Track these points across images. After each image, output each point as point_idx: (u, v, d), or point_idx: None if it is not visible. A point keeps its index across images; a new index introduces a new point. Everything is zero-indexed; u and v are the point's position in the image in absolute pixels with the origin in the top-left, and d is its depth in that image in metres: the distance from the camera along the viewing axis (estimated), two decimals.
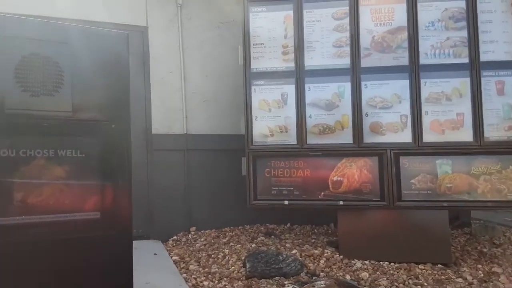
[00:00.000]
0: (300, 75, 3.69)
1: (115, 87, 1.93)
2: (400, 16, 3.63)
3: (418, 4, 3.61)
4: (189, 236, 4.14)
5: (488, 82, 3.52)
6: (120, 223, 1.85)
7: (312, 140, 3.65)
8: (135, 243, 1.93)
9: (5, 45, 1.72)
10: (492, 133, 3.45)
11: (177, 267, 3.22)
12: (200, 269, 3.17)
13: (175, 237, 4.10)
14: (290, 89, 3.72)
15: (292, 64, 3.72)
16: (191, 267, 3.22)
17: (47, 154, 1.76)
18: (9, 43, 1.73)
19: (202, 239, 4.00)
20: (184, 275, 3.05)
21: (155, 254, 3.56)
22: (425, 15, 3.60)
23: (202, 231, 4.24)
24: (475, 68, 3.50)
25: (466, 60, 3.53)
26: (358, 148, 3.56)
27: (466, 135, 3.47)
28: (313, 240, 3.99)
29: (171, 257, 3.47)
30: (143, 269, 3.02)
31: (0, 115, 1.69)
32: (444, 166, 3.47)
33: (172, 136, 4.27)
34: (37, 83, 1.77)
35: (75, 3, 3.92)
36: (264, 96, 3.76)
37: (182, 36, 4.37)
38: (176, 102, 4.33)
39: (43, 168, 1.75)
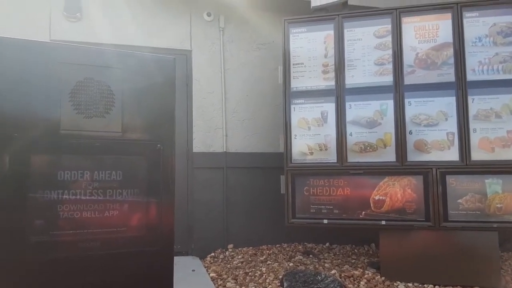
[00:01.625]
0: (340, 93, 3.68)
1: (161, 109, 2.02)
2: (445, 32, 3.55)
3: (464, 20, 3.51)
4: (227, 253, 4.17)
5: None
6: (163, 239, 1.91)
7: (352, 158, 3.60)
8: (174, 259, 1.98)
9: (62, 70, 1.86)
10: None
11: (215, 284, 3.24)
12: (237, 286, 3.18)
13: (213, 254, 4.14)
14: (330, 108, 3.71)
15: (332, 83, 3.72)
16: (228, 284, 3.23)
17: (98, 172, 1.87)
18: (66, 69, 1.87)
19: (239, 257, 4.01)
20: None
21: (193, 270, 3.62)
22: (471, 30, 3.49)
23: (239, 249, 4.26)
24: None
25: None
26: (402, 166, 3.46)
27: None
28: (353, 261, 3.89)
29: (209, 273, 3.50)
30: (181, 285, 3.06)
31: (56, 135, 1.81)
32: (494, 185, 3.30)
33: (212, 154, 4.37)
34: (90, 105, 1.89)
35: (124, 30, 4.18)
36: (303, 114, 3.77)
37: (223, 58, 4.52)
38: (217, 122, 4.44)
39: (94, 184, 1.85)
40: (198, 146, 4.35)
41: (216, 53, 4.50)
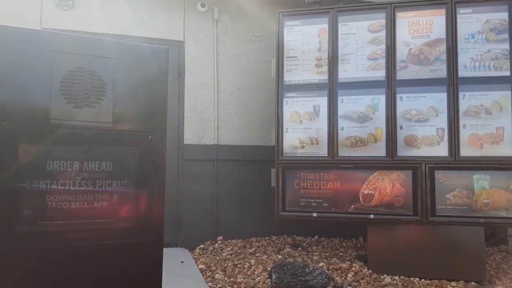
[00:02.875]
0: (333, 88, 3.68)
1: (153, 100, 2.01)
2: (439, 28, 3.56)
3: (458, 16, 3.52)
4: (216, 245, 4.18)
5: None
6: (152, 231, 1.91)
7: (343, 152, 3.62)
8: (163, 251, 1.98)
9: (52, 59, 1.83)
10: None
11: (203, 276, 3.25)
12: (226, 278, 3.20)
13: (202, 246, 4.15)
14: (322, 101, 3.71)
15: (325, 77, 3.72)
16: (217, 276, 3.25)
17: (87, 162, 1.85)
18: (56, 58, 1.84)
19: (228, 249, 4.03)
20: (210, 284, 3.09)
21: (182, 262, 3.62)
22: (465, 27, 3.51)
23: (229, 241, 4.27)
24: None
25: (507, 73, 3.41)
26: (392, 161, 3.49)
27: (506, 149, 3.34)
28: (341, 253, 3.93)
29: (198, 265, 3.52)
30: (170, 276, 3.08)
31: (45, 125, 1.78)
32: (481, 181, 3.35)
33: (203, 147, 4.36)
34: (80, 95, 1.86)
35: (117, 20, 4.12)
36: (295, 108, 3.77)
37: (216, 50, 4.48)
38: (209, 113, 4.42)
39: (83, 175, 1.84)
40: (190, 138, 4.33)
41: (209, 45, 4.47)
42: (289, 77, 3.82)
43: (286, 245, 4.17)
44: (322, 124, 3.69)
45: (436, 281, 3.18)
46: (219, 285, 3.07)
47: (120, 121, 1.91)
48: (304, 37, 3.82)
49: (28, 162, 1.72)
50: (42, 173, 1.73)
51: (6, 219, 1.65)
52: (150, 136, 1.95)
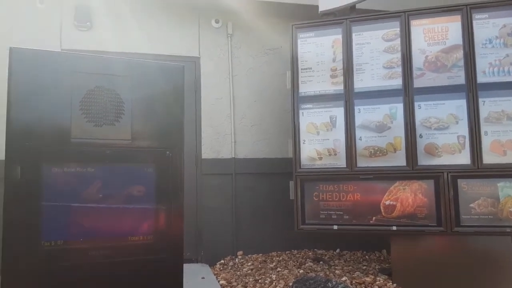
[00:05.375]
0: (349, 98, 3.66)
1: (170, 116, 2.04)
2: (455, 34, 3.51)
3: (474, 22, 3.47)
4: (236, 260, 4.15)
5: None
6: (172, 247, 1.92)
7: (362, 163, 3.57)
8: (184, 266, 1.98)
9: (73, 79, 1.88)
10: None
11: None
12: None
13: (222, 261, 4.13)
14: (339, 112, 3.69)
15: (341, 87, 3.71)
16: None
17: (108, 179, 1.88)
18: (76, 78, 1.89)
19: (249, 264, 3.99)
20: None
21: (202, 278, 3.60)
22: (481, 32, 3.45)
23: (249, 256, 4.24)
24: None
25: None
26: (412, 170, 3.41)
27: None
28: (364, 267, 3.84)
29: (218, 281, 3.48)
30: None
31: (67, 144, 1.83)
32: (506, 189, 3.24)
33: (221, 161, 4.37)
34: (100, 113, 1.91)
35: (134, 38, 4.22)
36: (312, 119, 3.75)
37: (231, 64, 4.53)
38: (225, 128, 4.45)
39: (102, 193, 1.86)
40: (207, 152, 4.35)
41: (224, 60, 4.52)
42: (305, 89, 3.81)
43: (308, 259, 4.11)
44: (339, 135, 3.66)
45: None
46: None
47: (139, 138, 1.95)
48: (318, 48, 3.83)
49: (50, 180, 1.76)
50: (64, 191, 1.76)
51: (31, 237, 1.68)
52: (168, 152, 1.98)
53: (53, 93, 1.83)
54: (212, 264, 4.04)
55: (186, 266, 2.02)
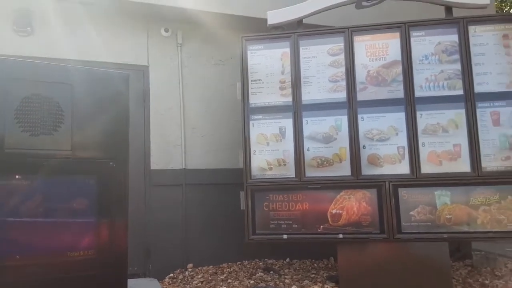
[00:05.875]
0: (297, 109, 3.75)
1: (114, 126, 1.97)
2: (394, 50, 3.73)
3: (412, 39, 3.71)
4: (186, 273, 4.05)
5: (483, 113, 3.56)
6: (115, 261, 1.83)
7: (310, 173, 3.66)
8: (130, 282, 1.90)
9: (7, 86, 1.77)
10: (489, 163, 3.45)
11: None
12: None
13: (171, 275, 4.01)
14: (288, 123, 3.77)
15: (289, 99, 3.79)
16: None
17: (44, 193, 1.77)
18: (11, 85, 1.78)
19: (199, 276, 3.91)
20: None
21: None
22: (418, 49, 3.70)
23: (199, 268, 4.16)
24: (470, 99, 3.55)
25: (460, 92, 3.59)
26: (357, 180, 3.55)
27: (463, 165, 3.48)
28: (313, 275, 3.91)
29: None
30: None
31: (0, 154, 1.71)
32: (443, 197, 3.46)
33: (171, 171, 4.28)
34: (37, 123, 1.81)
35: (79, 45, 4.05)
36: (262, 130, 3.80)
37: (182, 74, 4.49)
38: (175, 138, 4.38)
39: (40, 206, 1.75)
40: (156, 162, 4.25)
41: (174, 69, 4.47)
42: (255, 100, 3.86)
43: (258, 269, 4.11)
44: (288, 146, 3.73)
45: None
46: None
47: (80, 148, 1.86)
48: (268, 60, 3.90)
49: None
50: None
51: None
52: (111, 163, 1.91)
53: None
54: (161, 278, 3.92)
55: (133, 281, 1.95)
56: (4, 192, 1.70)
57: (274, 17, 4.02)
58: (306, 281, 3.65)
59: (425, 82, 3.65)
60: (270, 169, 3.73)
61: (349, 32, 3.78)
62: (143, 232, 4.06)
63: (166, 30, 4.48)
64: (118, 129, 1.98)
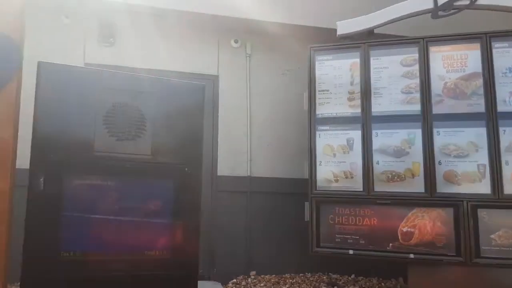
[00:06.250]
0: (366, 121, 3.65)
1: (190, 133, 2.07)
2: (474, 62, 3.50)
3: (494, 50, 3.46)
4: (249, 280, 4.08)
5: None
6: (188, 263, 1.91)
7: (379, 187, 3.52)
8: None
9: (97, 94, 1.93)
10: None
11: None
12: None
13: (234, 280, 4.07)
14: (356, 135, 3.67)
15: (358, 110, 3.70)
16: None
17: (126, 194, 1.90)
18: (101, 93, 1.94)
19: (261, 284, 3.92)
20: None
21: None
22: (501, 61, 3.44)
23: (262, 276, 4.17)
24: None
25: None
26: (431, 198, 3.35)
27: None
28: None
29: None
30: None
31: (90, 157, 1.86)
32: None
33: (236, 178, 4.37)
34: (122, 128, 1.94)
35: (154, 55, 4.32)
36: (328, 141, 3.74)
37: (249, 83, 4.59)
38: (242, 146, 4.47)
39: (122, 206, 1.88)
40: (223, 169, 4.36)
41: (242, 79, 4.59)
42: (322, 110, 3.82)
43: (322, 283, 4.02)
44: (356, 158, 3.63)
45: None
46: None
47: (159, 154, 1.97)
48: (336, 71, 3.85)
49: (72, 192, 1.79)
50: (85, 203, 1.79)
51: (51, 247, 1.70)
52: (186, 169, 1.99)
53: (78, 107, 1.89)
54: (224, 283, 3.99)
55: (198, 283, 2.00)
56: (91, 191, 1.84)
57: (344, 27, 3.97)
58: None
59: (509, 96, 3.37)
60: (336, 181, 3.65)
61: (424, 42, 3.61)
62: (209, 236, 4.17)
63: (236, 41, 4.62)
64: (193, 137, 2.07)
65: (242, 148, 4.47)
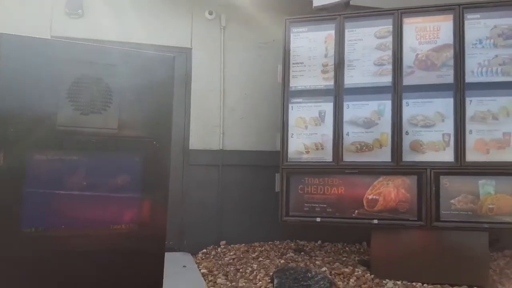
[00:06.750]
0: (339, 93, 3.69)
1: (159, 107, 2.05)
2: (446, 34, 3.55)
3: (466, 22, 3.50)
4: (219, 249, 4.19)
5: None
6: (154, 237, 1.94)
7: (348, 157, 3.62)
8: (166, 255, 2.01)
9: (60, 67, 1.88)
10: None
11: (205, 280, 3.27)
12: (228, 283, 3.21)
13: (204, 250, 4.16)
14: (328, 107, 3.72)
15: (331, 83, 3.73)
16: (218, 280, 3.26)
17: (92, 168, 1.90)
18: (64, 65, 1.88)
19: (231, 253, 4.04)
20: None
21: (184, 266, 3.63)
22: (472, 32, 3.49)
23: (232, 245, 4.28)
24: None
25: None
26: (397, 166, 3.48)
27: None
28: (344, 258, 3.94)
29: (200, 269, 3.53)
30: (172, 281, 3.09)
31: (52, 131, 1.83)
32: (487, 186, 3.33)
33: (209, 152, 4.39)
34: (87, 102, 1.91)
35: (125, 27, 4.16)
36: (301, 113, 3.78)
37: (223, 56, 4.51)
38: (215, 119, 4.45)
39: (87, 181, 1.88)
40: (195, 143, 4.36)
41: (216, 52, 4.50)
42: (295, 83, 3.83)
43: (289, 250, 4.19)
44: (327, 130, 3.70)
45: (439, 286, 3.18)
46: None
47: (126, 128, 1.96)
48: (311, 43, 3.84)
49: (35, 167, 1.77)
50: (48, 178, 1.78)
51: (13, 223, 1.70)
52: (155, 142, 1.99)
53: (40, 80, 1.83)
54: (194, 253, 4.08)
55: (168, 255, 2.05)
56: (54, 166, 1.83)
57: None
58: (337, 263, 3.68)
59: (477, 67, 3.46)
60: (307, 152, 3.73)
61: (398, 14, 3.62)
62: (179, 209, 4.22)
63: (210, 13, 4.49)
64: (162, 110, 2.05)
65: (215, 121, 4.45)
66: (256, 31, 4.62)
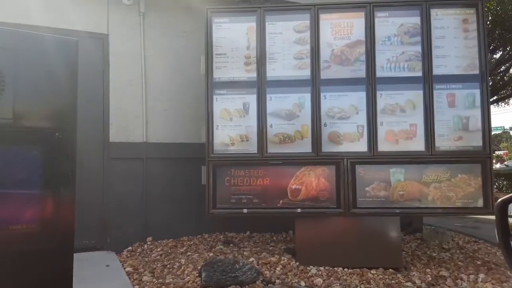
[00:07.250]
0: (262, 85, 3.73)
1: (61, 95, 1.88)
2: (359, 30, 3.76)
3: (376, 19, 3.74)
4: (145, 246, 4.05)
5: (440, 94, 3.69)
6: (60, 236, 1.78)
7: (272, 149, 3.69)
8: (86, 255, 1.88)
9: None
10: (442, 143, 3.61)
11: (130, 279, 3.14)
12: (154, 280, 3.11)
13: (130, 248, 3.99)
14: (251, 99, 3.75)
15: (254, 75, 3.76)
16: (144, 278, 3.15)
17: None
18: None
19: (158, 249, 3.92)
20: (137, 286, 2.99)
21: (107, 265, 3.45)
22: (382, 30, 3.74)
23: (159, 241, 4.16)
24: (428, 81, 3.66)
25: (419, 73, 3.69)
26: (317, 157, 3.63)
27: (418, 145, 3.62)
28: (271, 248, 4.02)
29: (124, 268, 3.38)
30: (93, 281, 2.95)
31: None
32: (397, 174, 3.60)
33: (131, 144, 4.20)
34: None
35: (34, 9, 3.79)
36: (225, 105, 3.77)
37: (144, 44, 4.33)
38: (136, 110, 4.26)
39: None
40: (116, 135, 4.14)
41: (136, 39, 4.30)
42: (219, 74, 3.80)
43: (218, 242, 4.17)
44: (251, 122, 3.73)
45: (358, 270, 3.36)
46: (146, 287, 2.98)
47: (23, 117, 1.77)
48: (233, 34, 3.83)
49: None
50: None
51: None
52: (57, 134, 1.83)
53: None
54: (119, 252, 3.89)
55: (90, 254, 1.91)
56: None
57: None
58: (264, 253, 3.74)
59: (386, 63, 3.72)
60: (233, 144, 3.73)
61: (315, 10, 3.76)
62: (101, 205, 3.99)
63: None
64: (65, 98, 1.88)
65: (137, 112, 4.26)
66: (179, 19, 4.50)
